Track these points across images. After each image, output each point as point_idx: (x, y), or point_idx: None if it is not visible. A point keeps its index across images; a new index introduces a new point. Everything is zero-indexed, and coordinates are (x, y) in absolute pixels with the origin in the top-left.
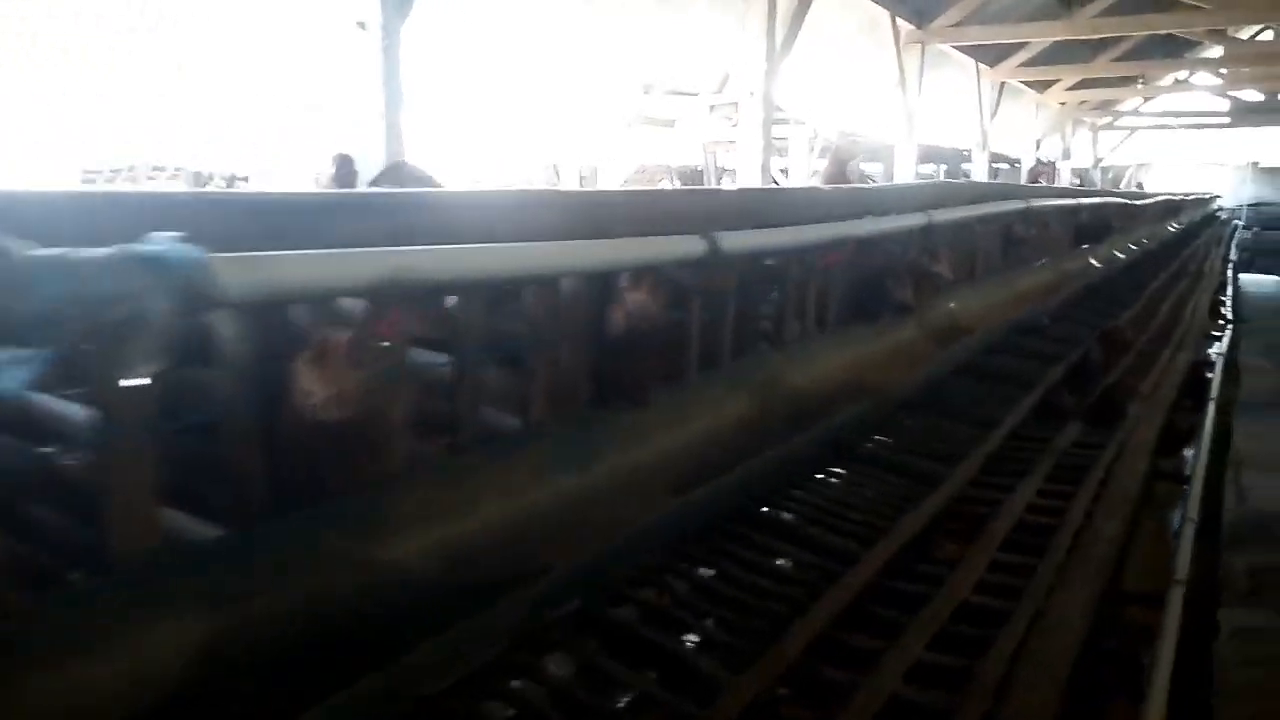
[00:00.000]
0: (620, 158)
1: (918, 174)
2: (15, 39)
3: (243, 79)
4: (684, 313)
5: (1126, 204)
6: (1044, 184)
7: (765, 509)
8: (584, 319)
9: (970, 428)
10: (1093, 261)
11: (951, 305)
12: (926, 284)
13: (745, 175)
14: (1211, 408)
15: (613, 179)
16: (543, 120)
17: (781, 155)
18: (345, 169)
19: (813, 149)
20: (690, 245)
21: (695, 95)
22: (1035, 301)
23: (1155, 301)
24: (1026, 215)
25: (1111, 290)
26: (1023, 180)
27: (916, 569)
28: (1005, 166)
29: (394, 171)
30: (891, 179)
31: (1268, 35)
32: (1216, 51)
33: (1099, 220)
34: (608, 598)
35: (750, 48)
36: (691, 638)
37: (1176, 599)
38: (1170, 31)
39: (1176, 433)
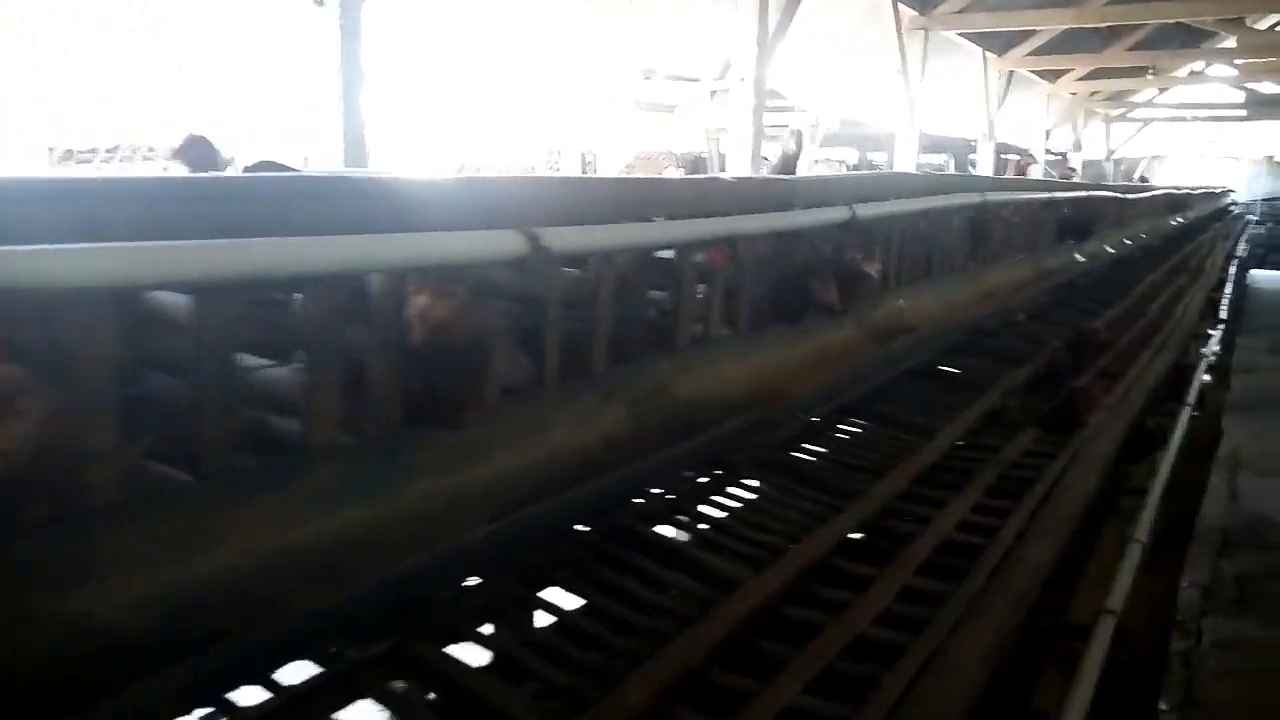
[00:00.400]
0: (622, 143)
1: (921, 164)
2: (15, 39)
3: (242, 79)
4: (537, 318)
5: (1119, 198)
6: (1034, 176)
7: (655, 530)
8: (386, 326)
9: (910, 436)
10: (1077, 257)
11: (900, 303)
12: (857, 282)
13: (736, 162)
14: (1186, 413)
15: (613, 164)
16: (542, 105)
17: None
18: (196, 152)
19: (813, 138)
20: (506, 242)
21: (696, 81)
22: (1006, 299)
23: (1144, 299)
24: (983, 209)
25: (1098, 287)
26: (1008, 172)
27: (819, 595)
28: (1015, 157)
29: (260, 170)
30: (892, 168)
31: None
32: (1231, 42)
33: (1085, 214)
34: (439, 635)
35: (743, 32)
36: (533, 681)
37: (1104, 631)
38: (1182, 21)
39: (1150, 439)
